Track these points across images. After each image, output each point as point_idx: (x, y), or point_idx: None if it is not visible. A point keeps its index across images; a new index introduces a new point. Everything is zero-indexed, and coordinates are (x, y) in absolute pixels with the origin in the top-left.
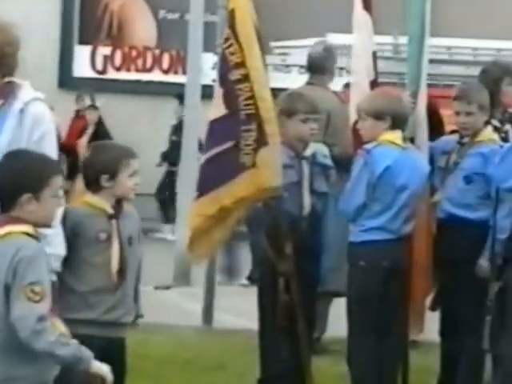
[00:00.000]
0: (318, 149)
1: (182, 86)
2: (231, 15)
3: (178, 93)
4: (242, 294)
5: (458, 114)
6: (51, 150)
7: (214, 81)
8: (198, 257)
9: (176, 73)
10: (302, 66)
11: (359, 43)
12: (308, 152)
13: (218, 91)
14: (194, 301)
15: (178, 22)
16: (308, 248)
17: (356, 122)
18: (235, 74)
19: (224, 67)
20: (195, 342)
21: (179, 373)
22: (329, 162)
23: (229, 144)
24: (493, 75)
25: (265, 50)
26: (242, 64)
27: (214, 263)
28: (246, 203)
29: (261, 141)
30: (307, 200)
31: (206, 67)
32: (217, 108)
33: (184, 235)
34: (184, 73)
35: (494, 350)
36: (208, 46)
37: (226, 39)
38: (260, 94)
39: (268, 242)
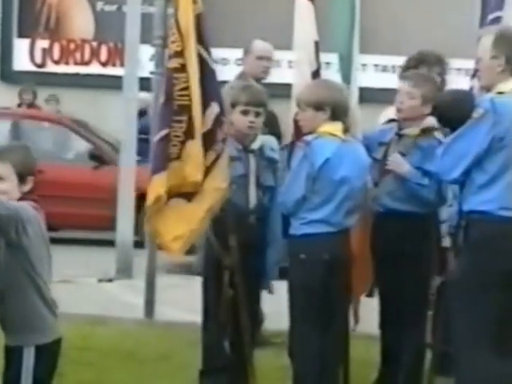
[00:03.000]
0: (266, 142)
1: (120, 78)
2: (176, 5)
3: None
4: (183, 286)
5: (401, 96)
6: None
7: (151, 73)
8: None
9: (114, 65)
10: None
11: (302, 33)
12: (255, 145)
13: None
14: (136, 294)
15: (116, 14)
16: (254, 241)
17: (297, 114)
18: (174, 63)
19: (166, 56)
20: (137, 335)
21: (122, 364)
22: (276, 155)
23: (164, 132)
24: (409, 65)
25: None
26: (181, 53)
27: (154, 256)
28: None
29: (189, 134)
30: (253, 193)
31: (144, 59)
32: (161, 95)
33: (125, 229)
34: (122, 65)
35: (437, 345)
36: (145, 38)
37: (171, 28)
38: (194, 86)
39: (214, 235)
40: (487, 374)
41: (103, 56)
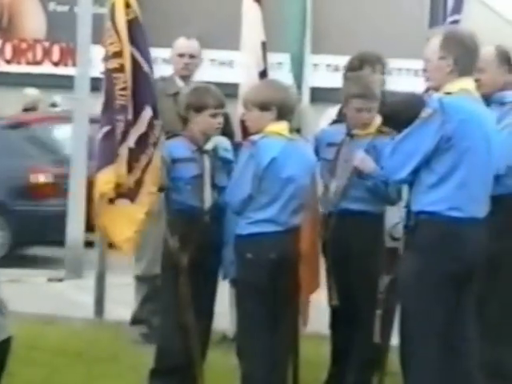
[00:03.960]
0: (219, 142)
1: (71, 78)
2: (112, 8)
3: None
4: (133, 286)
5: (360, 110)
6: None
7: (102, 73)
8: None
9: (66, 65)
10: None
11: (248, 34)
12: (209, 146)
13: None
14: (86, 293)
15: (68, 15)
16: (210, 241)
17: (244, 114)
18: (113, 63)
19: (104, 57)
20: (87, 334)
21: (72, 364)
22: (230, 155)
23: (106, 129)
24: (350, 65)
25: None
26: (119, 54)
27: (104, 255)
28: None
29: (124, 135)
30: (208, 194)
31: (96, 59)
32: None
33: (75, 228)
34: (74, 65)
35: (385, 344)
36: (97, 38)
37: (108, 30)
38: (130, 88)
39: (170, 234)
40: (437, 374)
41: (55, 56)
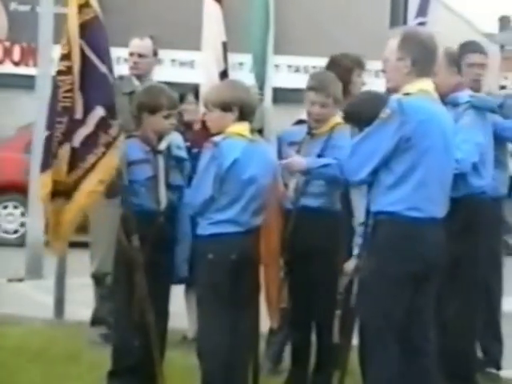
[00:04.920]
0: (173, 140)
1: (33, 78)
2: (68, 10)
3: None
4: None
5: (313, 103)
6: None
7: None
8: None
9: (27, 65)
10: None
11: (209, 34)
12: (163, 145)
13: None
14: (47, 293)
15: (29, 14)
16: (165, 241)
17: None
18: (59, 66)
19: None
20: (47, 334)
21: (31, 364)
22: (183, 153)
23: (46, 133)
24: (344, 66)
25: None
26: (67, 56)
27: (64, 256)
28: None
29: (67, 136)
30: (163, 194)
31: (57, 59)
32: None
33: (35, 229)
34: (35, 65)
35: (345, 344)
36: (59, 38)
37: (63, 33)
38: (78, 89)
39: (124, 235)
40: (396, 373)
41: (16, 56)
